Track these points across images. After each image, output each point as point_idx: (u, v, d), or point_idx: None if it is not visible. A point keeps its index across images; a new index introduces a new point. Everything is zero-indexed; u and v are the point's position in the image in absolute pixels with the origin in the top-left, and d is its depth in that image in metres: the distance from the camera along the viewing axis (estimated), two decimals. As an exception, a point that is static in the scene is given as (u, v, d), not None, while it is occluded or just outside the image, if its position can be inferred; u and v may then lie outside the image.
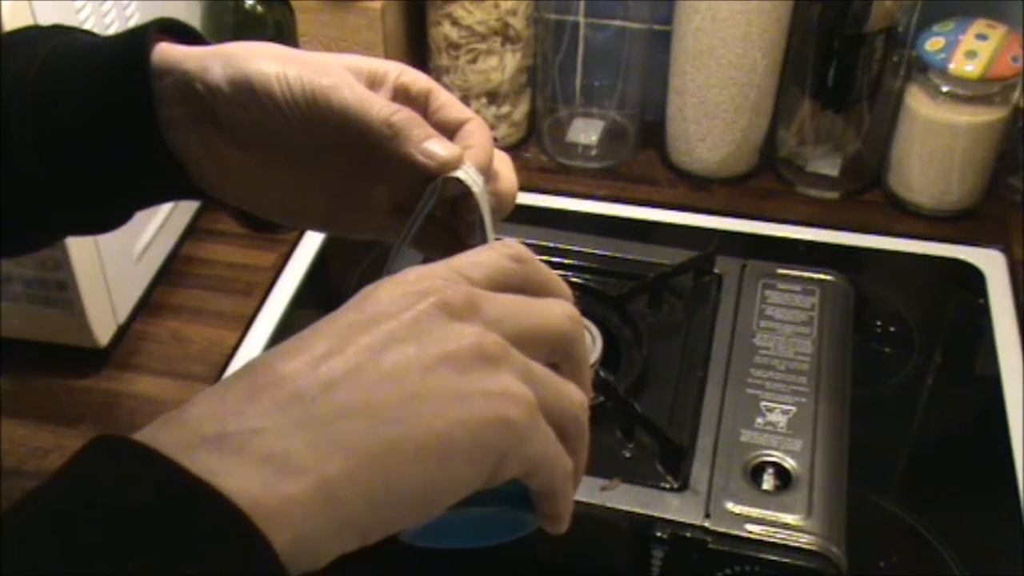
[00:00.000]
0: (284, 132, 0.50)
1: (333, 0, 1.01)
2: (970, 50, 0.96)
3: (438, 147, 0.49)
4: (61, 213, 0.55)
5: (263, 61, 0.49)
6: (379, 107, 0.49)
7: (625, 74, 1.09)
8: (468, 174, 0.50)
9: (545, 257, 0.86)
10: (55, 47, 0.53)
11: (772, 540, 0.66)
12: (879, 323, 0.94)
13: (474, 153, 0.50)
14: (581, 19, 1.08)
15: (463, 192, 0.50)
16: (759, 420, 0.72)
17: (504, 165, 0.53)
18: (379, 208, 0.55)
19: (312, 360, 0.37)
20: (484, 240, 0.51)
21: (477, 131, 0.51)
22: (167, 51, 0.51)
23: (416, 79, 0.53)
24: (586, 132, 1.12)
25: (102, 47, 0.53)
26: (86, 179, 0.53)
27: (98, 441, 0.35)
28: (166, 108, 0.51)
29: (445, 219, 0.53)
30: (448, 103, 0.52)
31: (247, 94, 0.49)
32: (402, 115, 0.49)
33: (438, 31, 1.06)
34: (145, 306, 0.94)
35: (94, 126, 0.51)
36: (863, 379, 0.83)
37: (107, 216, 0.57)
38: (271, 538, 0.33)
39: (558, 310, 0.42)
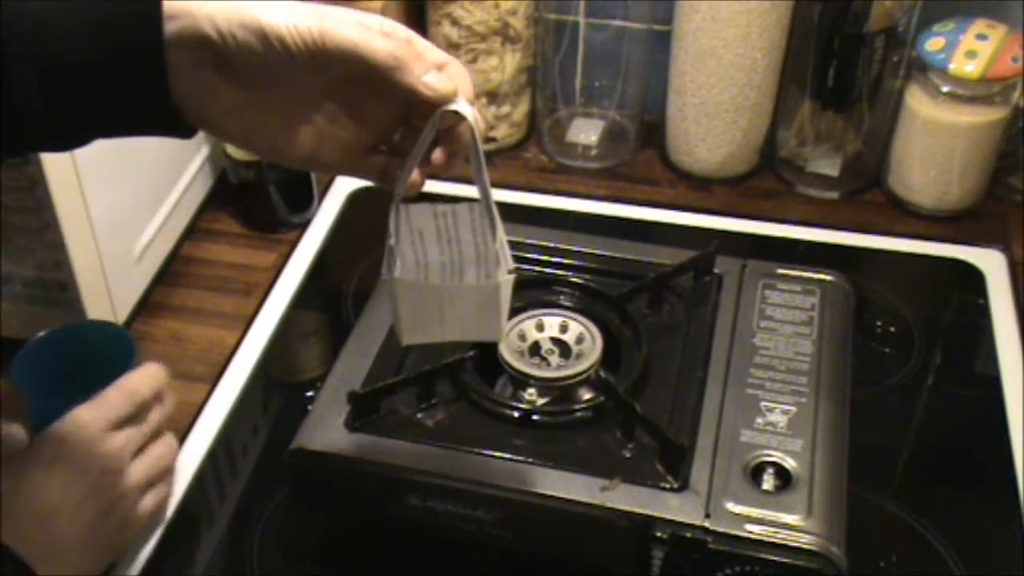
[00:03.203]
0: (289, 73, 0.55)
1: (333, 1, 1.01)
2: (970, 50, 0.96)
3: (438, 81, 0.56)
4: (32, 139, 0.58)
5: (269, 9, 0.54)
6: (382, 42, 0.55)
7: (625, 74, 1.09)
8: (463, 106, 0.57)
9: (545, 257, 0.86)
10: None
11: (772, 540, 0.65)
12: (879, 323, 0.94)
13: (460, 89, 0.57)
14: (581, 19, 1.08)
15: (454, 124, 0.57)
16: (759, 420, 0.72)
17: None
18: (357, 148, 0.60)
19: None
20: (479, 168, 0.58)
21: (458, 72, 0.58)
22: (174, 2, 0.54)
23: (396, 28, 0.57)
24: (586, 132, 1.12)
25: None
26: (82, 118, 0.56)
27: None
28: (172, 53, 0.54)
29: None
30: (428, 48, 0.58)
31: (259, 37, 0.53)
32: (404, 48, 0.55)
33: (438, 31, 1.06)
34: (145, 306, 0.94)
35: (99, 69, 0.54)
36: (863, 379, 0.83)
37: (73, 142, 0.59)
38: None
39: None
